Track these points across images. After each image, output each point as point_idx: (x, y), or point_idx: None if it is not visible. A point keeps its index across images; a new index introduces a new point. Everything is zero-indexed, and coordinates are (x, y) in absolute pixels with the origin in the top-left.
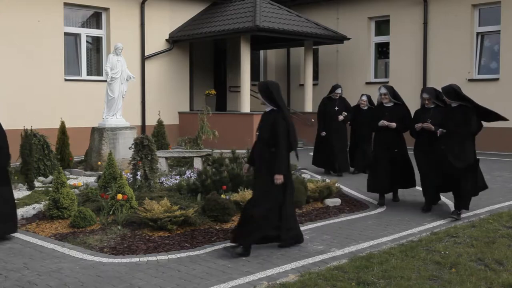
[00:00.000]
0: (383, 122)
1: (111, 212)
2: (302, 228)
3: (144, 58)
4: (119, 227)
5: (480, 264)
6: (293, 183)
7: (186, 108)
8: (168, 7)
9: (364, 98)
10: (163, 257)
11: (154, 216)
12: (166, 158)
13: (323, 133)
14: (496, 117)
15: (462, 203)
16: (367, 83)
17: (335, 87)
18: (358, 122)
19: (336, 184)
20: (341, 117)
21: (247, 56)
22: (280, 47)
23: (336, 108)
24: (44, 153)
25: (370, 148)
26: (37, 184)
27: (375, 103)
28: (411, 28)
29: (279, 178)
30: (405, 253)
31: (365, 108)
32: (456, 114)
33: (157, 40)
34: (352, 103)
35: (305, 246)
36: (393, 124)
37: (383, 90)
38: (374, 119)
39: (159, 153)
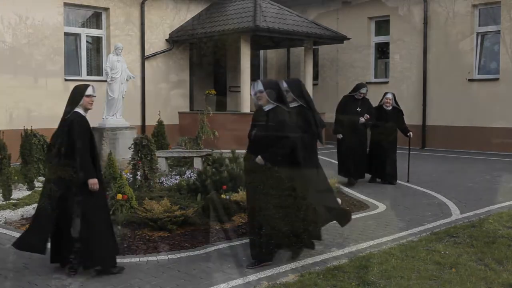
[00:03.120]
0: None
1: (111, 212)
2: None
3: (144, 58)
4: (119, 227)
5: (480, 264)
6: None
7: (186, 108)
8: (168, 7)
9: (390, 96)
10: (163, 257)
11: (154, 216)
12: (166, 158)
13: (340, 136)
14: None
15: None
16: (367, 83)
17: (360, 86)
18: (382, 124)
19: (336, 184)
20: (362, 119)
21: (247, 56)
22: (280, 47)
23: (359, 109)
24: (44, 153)
25: (395, 155)
26: (37, 184)
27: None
28: (411, 28)
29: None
30: (405, 253)
31: (390, 108)
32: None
33: (157, 40)
34: None
35: None
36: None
37: (259, 87)
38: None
39: (159, 153)
